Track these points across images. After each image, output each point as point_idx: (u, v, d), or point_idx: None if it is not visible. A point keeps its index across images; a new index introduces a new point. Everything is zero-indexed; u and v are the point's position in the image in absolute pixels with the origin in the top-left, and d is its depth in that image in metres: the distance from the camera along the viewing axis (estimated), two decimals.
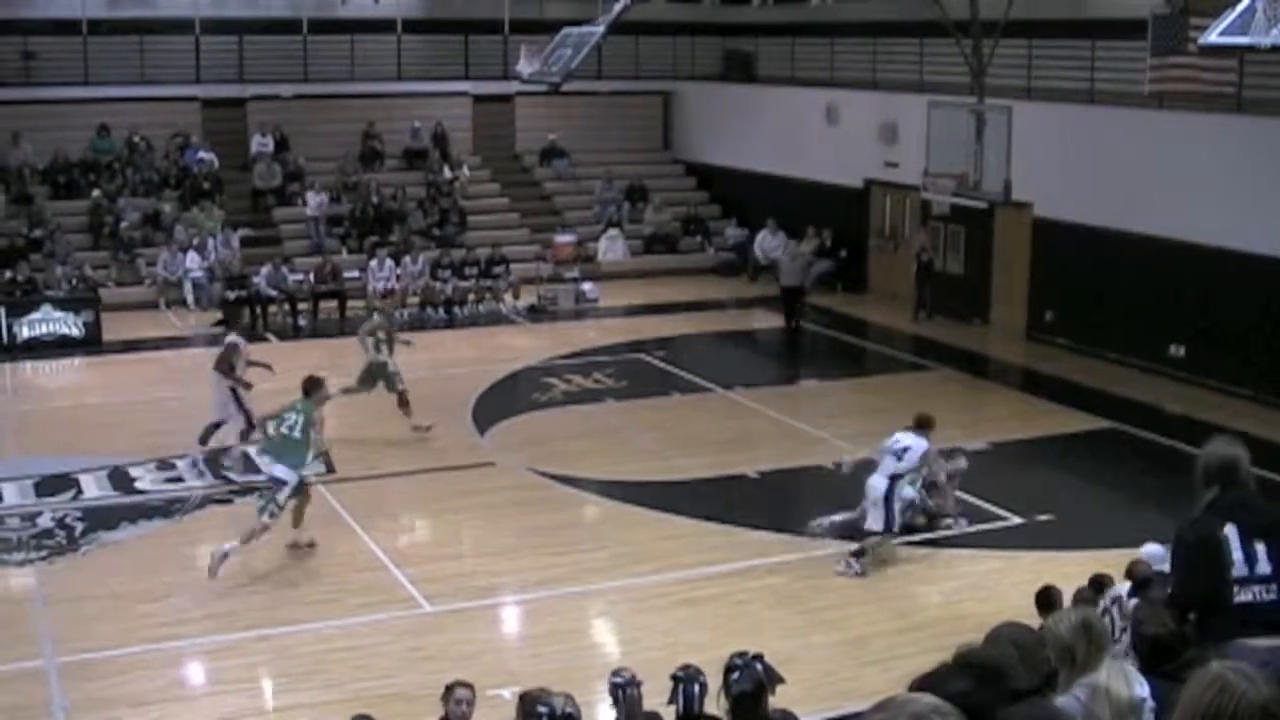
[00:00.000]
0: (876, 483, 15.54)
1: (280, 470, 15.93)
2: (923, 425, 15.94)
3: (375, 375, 20.83)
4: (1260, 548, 7.19)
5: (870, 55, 32.56)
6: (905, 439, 15.71)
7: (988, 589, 14.95)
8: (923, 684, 4.20)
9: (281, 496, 15.72)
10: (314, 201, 32.76)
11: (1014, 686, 5.66)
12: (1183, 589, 7.66)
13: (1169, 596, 8.05)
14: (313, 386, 16.41)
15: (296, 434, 15.96)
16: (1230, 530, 7.21)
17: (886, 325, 28.70)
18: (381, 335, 21.19)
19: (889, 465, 15.56)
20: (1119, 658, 7.10)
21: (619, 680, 8.46)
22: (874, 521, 15.56)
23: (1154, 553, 11.73)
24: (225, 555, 15.17)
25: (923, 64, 30.19)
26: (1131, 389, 23.14)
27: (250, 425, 19.03)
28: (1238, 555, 7.17)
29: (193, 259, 30.30)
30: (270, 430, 16.42)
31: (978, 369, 25.47)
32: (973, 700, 4.03)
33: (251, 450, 18.79)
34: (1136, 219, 24.23)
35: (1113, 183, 24.75)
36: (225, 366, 19.53)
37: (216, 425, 19.61)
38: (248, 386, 19.56)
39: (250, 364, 19.86)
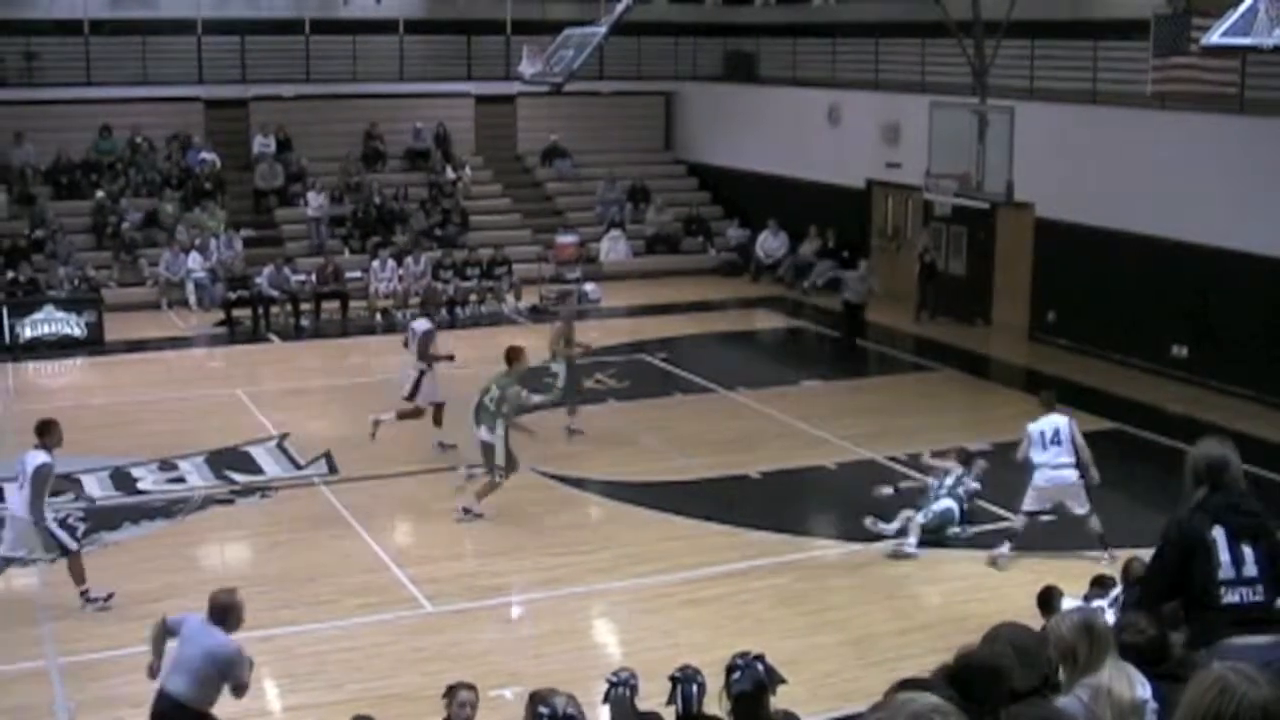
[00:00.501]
0: (1064, 476, 15.42)
1: (482, 432, 17.18)
2: (1052, 406, 15.95)
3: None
4: (1247, 550, 7.21)
5: (872, 56, 32.57)
6: (1048, 421, 15.62)
7: (990, 590, 14.94)
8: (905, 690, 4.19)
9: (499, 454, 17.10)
10: (315, 201, 32.77)
11: (1012, 687, 5.68)
12: (1149, 584, 7.72)
13: (1139, 585, 8.07)
14: (515, 357, 17.49)
15: (489, 403, 17.16)
16: (1218, 532, 7.23)
17: (889, 326, 28.66)
18: (562, 342, 21.23)
19: (1056, 454, 15.41)
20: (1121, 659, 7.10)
21: (612, 679, 8.48)
22: (1079, 507, 15.50)
23: None
24: (468, 511, 17.18)
25: (925, 64, 30.20)
26: (1133, 389, 23.14)
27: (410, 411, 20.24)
28: (1225, 557, 7.19)
29: (195, 259, 30.32)
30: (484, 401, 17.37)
31: (980, 369, 25.47)
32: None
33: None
34: (1139, 219, 24.23)
35: (1115, 183, 24.75)
36: (427, 352, 20.23)
37: (440, 406, 20.25)
38: (450, 358, 20.69)
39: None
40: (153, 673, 10.41)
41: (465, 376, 24.13)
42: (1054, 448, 15.37)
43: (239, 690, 10.20)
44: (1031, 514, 15.67)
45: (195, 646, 10.20)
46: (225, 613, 10.28)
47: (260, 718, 12.38)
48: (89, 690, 12.67)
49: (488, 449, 17.27)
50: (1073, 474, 15.35)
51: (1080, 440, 15.52)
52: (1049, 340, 26.13)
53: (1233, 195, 22.71)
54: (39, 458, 14.39)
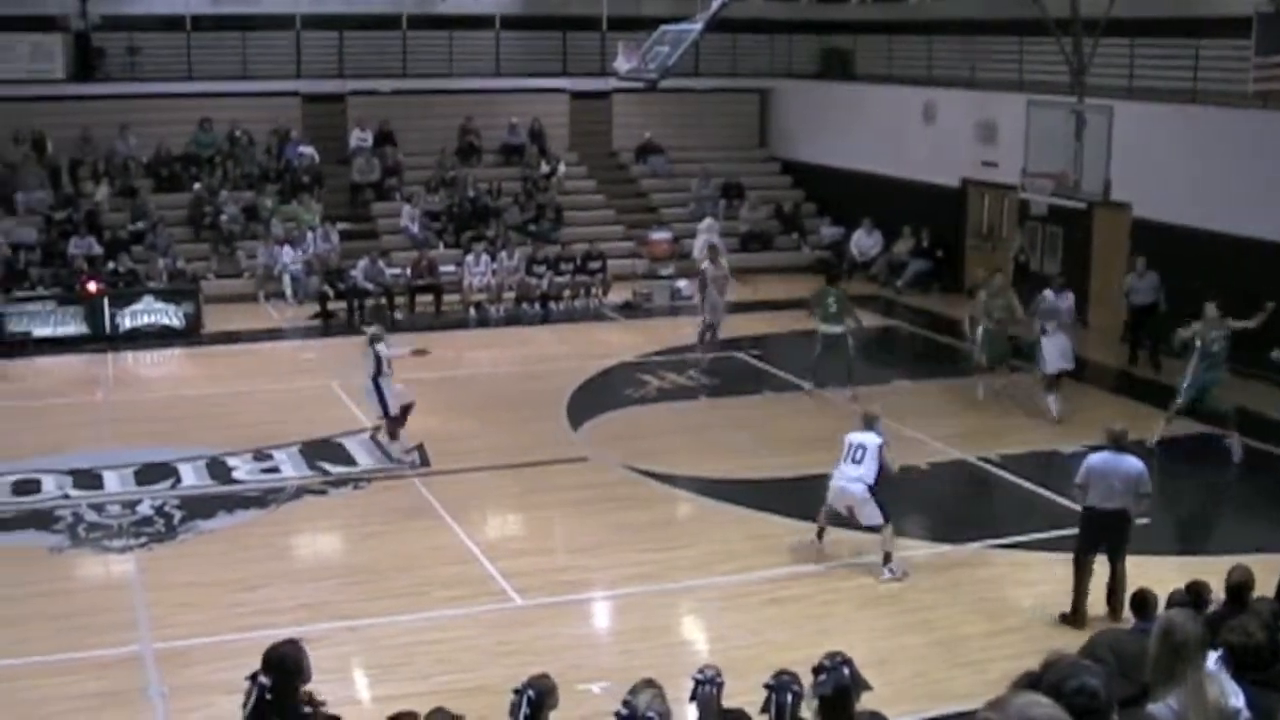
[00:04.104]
0: (851, 488, 15.66)
1: None
2: (871, 425, 16.22)
3: None
4: None
5: (969, 53, 32.35)
6: (860, 437, 15.94)
7: None
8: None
9: None
10: (407, 214, 32.91)
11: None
12: None
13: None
14: None
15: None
16: None
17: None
18: None
19: (853, 469, 15.69)
20: (1215, 666, 6.99)
21: (699, 677, 8.45)
22: (868, 519, 15.78)
23: None
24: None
25: (1022, 62, 29.95)
26: (1235, 394, 22.77)
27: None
28: None
29: (289, 252, 30.58)
30: None
31: (1074, 371, 25.10)
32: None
33: None
34: (1238, 221, 23.89)
35: (1214, 184, 24.42)
36: None
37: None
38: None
39: None
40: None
41: (562, 370, 24.39)
42: (852, 465, 15.62)
43: (1147, 499, 14.24)
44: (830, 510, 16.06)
45: (1117, 474, 13.88)
46: (1119, 439, 14.13)
47: (348, 706, 12.43)
48: (181, 676, 12.82)
49: None
50: (861, 488, 15.50)
51: (887, 461, 15.72)
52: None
53: None
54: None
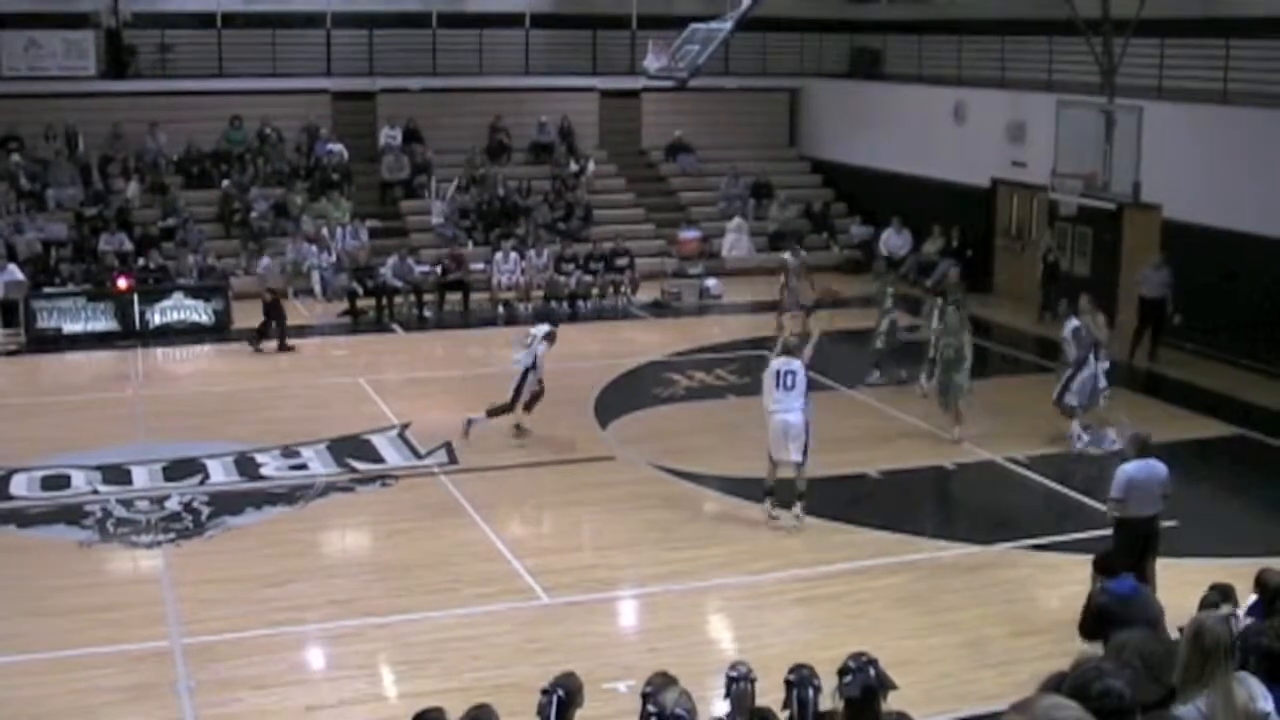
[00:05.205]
0: (789, 419, 16.37)
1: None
2: (793, 352, 16.82)
3: None
4: None
5: (999, 53, 32.26)
6: (785, 363, 16.53)
7: None
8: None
9: None
10: (437, 209, 33.02)
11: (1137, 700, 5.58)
12: None
13: None
14: None
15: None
16: None
17: (1011, 326, 28.42)
18: None
19: (786, 396, 16.39)
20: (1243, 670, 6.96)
21: (733, 674, 8.45)
22: (796, 454, 16.51)
23: None
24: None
25: (1052, 62, 29.87)
26: (1261, 395, 22.73)
27: None
28: None
29: (316, 250, 30.63)
30: None
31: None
32: None
33: None
34: (1269, 222, 23.80)
35: (1245, 185, 24.33)
36: None
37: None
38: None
39: None
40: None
41: (589, 369, 24.40)
42: (785, 392, 16.36)
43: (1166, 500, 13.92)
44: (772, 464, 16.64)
45: (1154, 480, 13.72)
46: (1145, 444, 14.00)
47: (376, 703, 12.52)
48: (209, 671, 12.87)
49: None
50: (801, 418, 16.35)
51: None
52: (1174, 344, 25.68)
53: None
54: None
